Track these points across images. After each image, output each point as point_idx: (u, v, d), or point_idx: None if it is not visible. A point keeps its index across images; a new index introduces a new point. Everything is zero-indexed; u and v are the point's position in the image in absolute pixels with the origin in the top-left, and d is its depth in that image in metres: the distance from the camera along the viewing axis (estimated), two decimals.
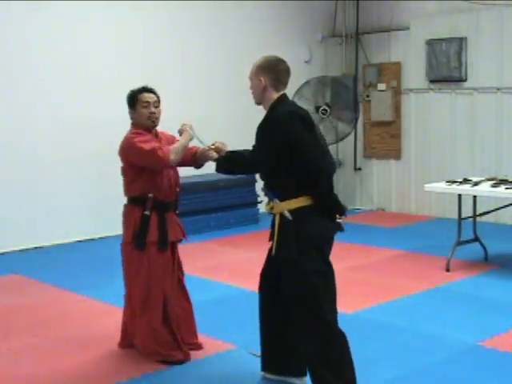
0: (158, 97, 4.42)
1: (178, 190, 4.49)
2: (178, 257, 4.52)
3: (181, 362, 4.33)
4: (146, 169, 4.28)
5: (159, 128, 4.49)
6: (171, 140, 4.45)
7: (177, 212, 4.51)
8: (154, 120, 4.38)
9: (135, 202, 4.35)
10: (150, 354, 4.37)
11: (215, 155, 4.26)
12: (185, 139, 4.30)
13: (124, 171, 4.41)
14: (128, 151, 4.29)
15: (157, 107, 4.39)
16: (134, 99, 4.38)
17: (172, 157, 4.17)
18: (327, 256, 3.68)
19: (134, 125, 4.42)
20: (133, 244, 4.31)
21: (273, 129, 3.64)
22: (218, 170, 4.33)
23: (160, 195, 4.34)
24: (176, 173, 4.48)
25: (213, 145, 4.30)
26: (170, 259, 4.42)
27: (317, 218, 3.62)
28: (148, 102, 4.36)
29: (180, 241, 4.53)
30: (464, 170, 8.79)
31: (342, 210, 3.69)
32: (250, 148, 4.16)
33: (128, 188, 4.40)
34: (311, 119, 3.70)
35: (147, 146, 4.19)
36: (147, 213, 4.30)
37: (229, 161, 4.26)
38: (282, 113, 3.65)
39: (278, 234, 3.67)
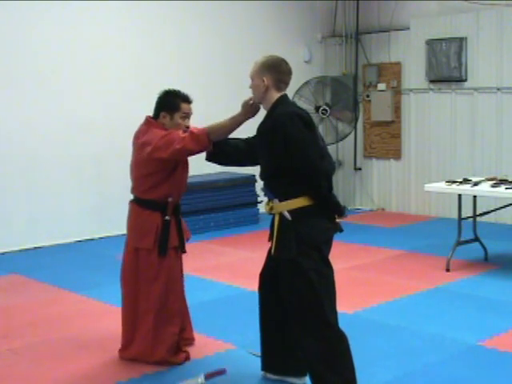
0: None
1: None
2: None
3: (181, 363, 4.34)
4: (177, 170, 4.17)
5: None
6: None
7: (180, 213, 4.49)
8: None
9: (154, 206, 4.22)
10: (157, 361, 4.29)
11: None
12: (231, 119, 3.94)
13: (147, 174, 4.19)
14: (166, 148, 4.00)
15: (189, 119, 4.29)
16: (176, 106, 4.21)
17: (212, 137, 3.94)
18: (326, 256, 3.68)
19: (155, 123, 4.22)
20: (156, 250, 4.20)
21: (273, 129, 3.63)
22: (209, 159, 4.18)
23: (178, 198, 4.30)
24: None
25: None
26: (179, 260, 4.43)
27: (316, 219, 3.62)
28: (188, 114, 4.25)
29: (187, 240, 4.52)
30: (464, 170, 8.79)
31: (341, 211, 3.69)
32: (244, 138, 4.14)
33: (148, 191, 4.22)
34: (311, 120, 3.70)
35: (182, 135, 4.00)
36: (168, 218, 4.23)
37: (221, 151, 4.09)
38: (282, 113, 3.63)
39: (277, 234, 3.67)
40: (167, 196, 4.23)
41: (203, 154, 4.15)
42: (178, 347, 4.36)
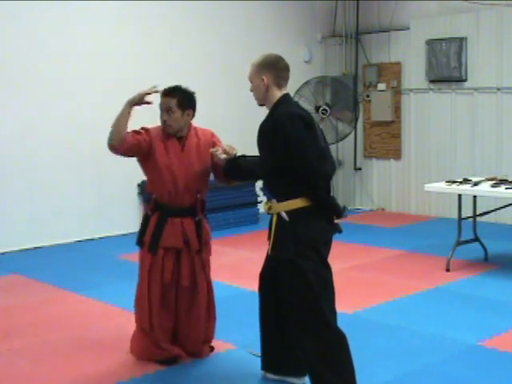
0: (177, 100, 4.18)
1: (197, 196, 4.29)
2: (190, 264, 4.32)
3: (170, 360, 4.33)
4: (148, 169, 4.31)
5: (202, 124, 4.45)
6: (209, 138, 4.34)
7: (196, 219, 4.29)
8: (165, 127, 4.23)
9: (147, 200, 4.48)
10: (144, 358, 4.35)
11: (223, 156, 4.05)
12: (119, 115, 4.15)
13: None
14: None
15: (171, 113, 4.18)
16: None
17: (110, 138, 4.22)
18: (325, 257, 3.67)
19: None
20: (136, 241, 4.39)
21: (274, 129, 3.61)
22: (229, 176, 4.18)
23: (163, 199, 4.26)
24: (191, 177, 4.27)
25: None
26: (167, 266, 4.27)
27: (314, 220, 3.60)
28: (162, 107, 4.23)
29: (181, 248, 4.31)
30: (464, 170, 8.79)
31: (340, 212, 3.68)
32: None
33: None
34: (313, 120, 3.68)
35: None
36: (149, 213, 4.30)
37: (241, 170, 4.07)
38: (283, 113, 3.62)
39: (274, 234, 3.66)
40: (152, 192, 4.36)
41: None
42: (157, 345, 4.32)
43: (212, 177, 4.41)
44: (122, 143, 4.15)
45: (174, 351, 4.36)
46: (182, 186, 4.25)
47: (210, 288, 4.46)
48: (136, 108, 4.20)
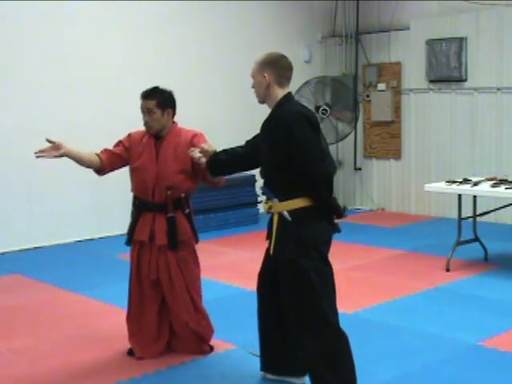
0: (156, 101, 4.29)
1: (168, 192, 4.32)
2: (163, 259, 4.38)
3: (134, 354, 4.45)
4: (130, 170, 4.48)
5: (186, 125, 4.50)
6: (189, 139, 4.34)
7: (168, 215, 4.35)
8: (148, 128, 4.37)
9: None
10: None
11: (198, 155, 4.04)
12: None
13: None
14: None
15: (152, 114, 4.29)
16: None
17: None
18: (325, 255, 3.67)
19: None
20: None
21: (277, 128, 3.61)
22: (213, 173, 4.20)
23: (137, 195, 4.45)
24: (162, 175, 4.32)
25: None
26: (143, 258, 4.39)
27: (315, 220, 3.60)
28: (142, 109, 4.35)
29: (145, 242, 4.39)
30: (464, 170, 8.79)
31: (340, 212, 3.68)
32: (245, 143, 4.09)
33: None
34: (317, 120, 3.67)
35: None
36: (132, 208, 4.49)
37: (223, 163, 4.07)
38: (287, 112, 3.61)
39: (275, 234, 3.66)
40: (132, 190, 4.49)
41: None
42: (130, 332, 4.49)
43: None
44: (102, 167, 4.50)
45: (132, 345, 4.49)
46: (150, 183, 4.35)
47: (192, 286, 4.45)
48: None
